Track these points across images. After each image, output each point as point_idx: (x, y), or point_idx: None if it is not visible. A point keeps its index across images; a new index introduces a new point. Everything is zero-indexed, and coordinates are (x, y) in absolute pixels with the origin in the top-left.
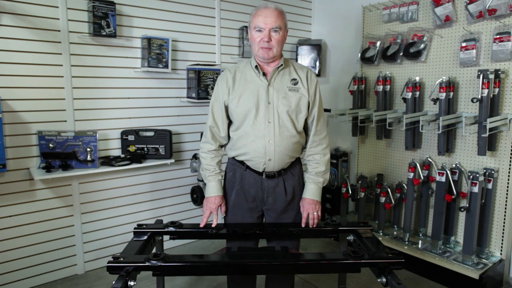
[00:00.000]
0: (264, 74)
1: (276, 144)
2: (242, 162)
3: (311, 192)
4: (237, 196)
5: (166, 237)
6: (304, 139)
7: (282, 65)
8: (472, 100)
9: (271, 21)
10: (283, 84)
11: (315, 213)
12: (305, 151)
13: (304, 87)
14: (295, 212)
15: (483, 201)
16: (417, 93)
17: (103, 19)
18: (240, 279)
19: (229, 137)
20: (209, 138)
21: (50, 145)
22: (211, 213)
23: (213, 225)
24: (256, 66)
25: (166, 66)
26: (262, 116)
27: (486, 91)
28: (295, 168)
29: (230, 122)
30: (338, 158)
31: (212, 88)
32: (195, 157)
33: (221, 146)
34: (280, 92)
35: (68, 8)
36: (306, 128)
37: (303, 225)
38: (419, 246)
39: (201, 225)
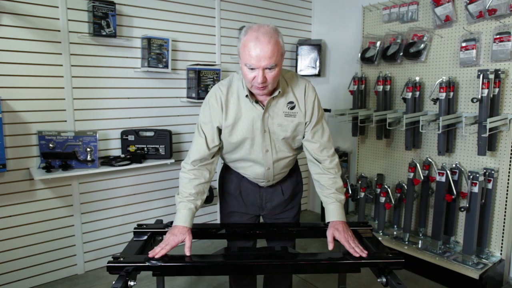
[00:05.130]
0: (257, 101)
1: (275, 169)
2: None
3: (337, 213)
4: (235, 200)
5: None
6: (301, 149)
7: (279, 91)
8: (472, 100)
9: (264, 59)
10: (278, 109)
11: (355, 242)
12: (314, 171)
13: (301, 111)
14: (294, 213)
15: (483, 201)
16: (417, 93)
17: (103, 19)
18: (242, 279)
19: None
20: (192, 160)
21: (50, 145)
22: (166, 246)
23: (157, 256)
24: (247, 95)
25: (166, 66)
26: (259, 146)
27: (486, 91)
28: (292, 172)
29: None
30: (338, 158)
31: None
32: None
33: (206, 165)
34: (276, 118)
35: (68, 8)
36: (307, 139)
37: (356, 255)
38: (419, 246)
39: (151, 255)
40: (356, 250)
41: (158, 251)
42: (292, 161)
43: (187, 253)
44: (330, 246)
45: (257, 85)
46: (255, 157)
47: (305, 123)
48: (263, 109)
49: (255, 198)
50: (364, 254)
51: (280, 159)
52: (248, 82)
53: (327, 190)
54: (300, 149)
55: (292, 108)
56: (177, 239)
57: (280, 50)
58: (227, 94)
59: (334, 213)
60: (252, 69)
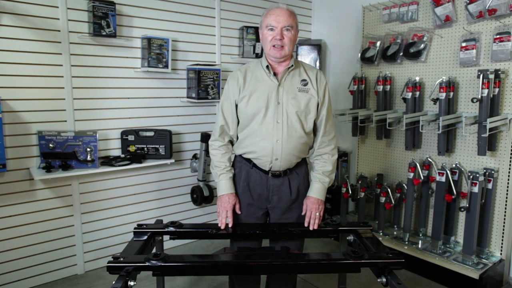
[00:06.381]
0: (275, 74)
1: (284, 144)
2: (248, 160)
3: (316, 191)
4: (243, 193)
5: (166, 237)
6: (312, 140)
7: (292, 65)
8: (472, 100)
9: (283, 19)
10: (293, 85)
11: (317, 214)
12: (313, 151)
13: (314, 88)
14: (299, 212)
15: (483, 201)
16: (417, 93)
17: (103, 19)
18: (244, 279)
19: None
20: (217, 136)
21: (50, 145)
22: (227, 212)
23: (229, 225)
24: (267, 66)
25: (166, 66)
26: (271, 116)
27: (486, 91)
28: (300, 168)
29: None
30: (338, 158)
31: (212, 88)
32: (195, 157)
33: (231, 141)
34: (290, 92)
35: (68, 8)
36: (314, 129)
37: (306, 224)
38: (419, 246)
39: (222, 227)
40: (310, 221)
41: (224, 222)
42: (302, 148)
43: (239, 212)
44: (303, 212)
45: (275, 43)
46: (265, 128)
47: (317, 103)
48: (278, 81)
49: (262, 190)
50: (312, 227)
51: (292, 137)
52: (267, 45)
53: (315, 172)
54: (311, 137)
55: (305, 84)
56: (230, 205)
57: (295, 19)
58: (246, 71)
59: (313, 191)
60: (271, 30)
